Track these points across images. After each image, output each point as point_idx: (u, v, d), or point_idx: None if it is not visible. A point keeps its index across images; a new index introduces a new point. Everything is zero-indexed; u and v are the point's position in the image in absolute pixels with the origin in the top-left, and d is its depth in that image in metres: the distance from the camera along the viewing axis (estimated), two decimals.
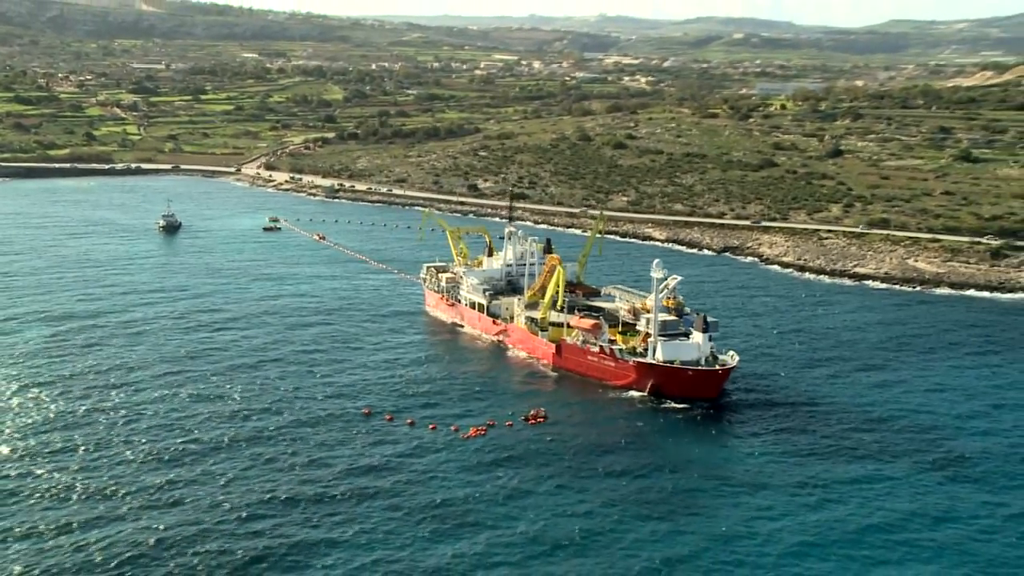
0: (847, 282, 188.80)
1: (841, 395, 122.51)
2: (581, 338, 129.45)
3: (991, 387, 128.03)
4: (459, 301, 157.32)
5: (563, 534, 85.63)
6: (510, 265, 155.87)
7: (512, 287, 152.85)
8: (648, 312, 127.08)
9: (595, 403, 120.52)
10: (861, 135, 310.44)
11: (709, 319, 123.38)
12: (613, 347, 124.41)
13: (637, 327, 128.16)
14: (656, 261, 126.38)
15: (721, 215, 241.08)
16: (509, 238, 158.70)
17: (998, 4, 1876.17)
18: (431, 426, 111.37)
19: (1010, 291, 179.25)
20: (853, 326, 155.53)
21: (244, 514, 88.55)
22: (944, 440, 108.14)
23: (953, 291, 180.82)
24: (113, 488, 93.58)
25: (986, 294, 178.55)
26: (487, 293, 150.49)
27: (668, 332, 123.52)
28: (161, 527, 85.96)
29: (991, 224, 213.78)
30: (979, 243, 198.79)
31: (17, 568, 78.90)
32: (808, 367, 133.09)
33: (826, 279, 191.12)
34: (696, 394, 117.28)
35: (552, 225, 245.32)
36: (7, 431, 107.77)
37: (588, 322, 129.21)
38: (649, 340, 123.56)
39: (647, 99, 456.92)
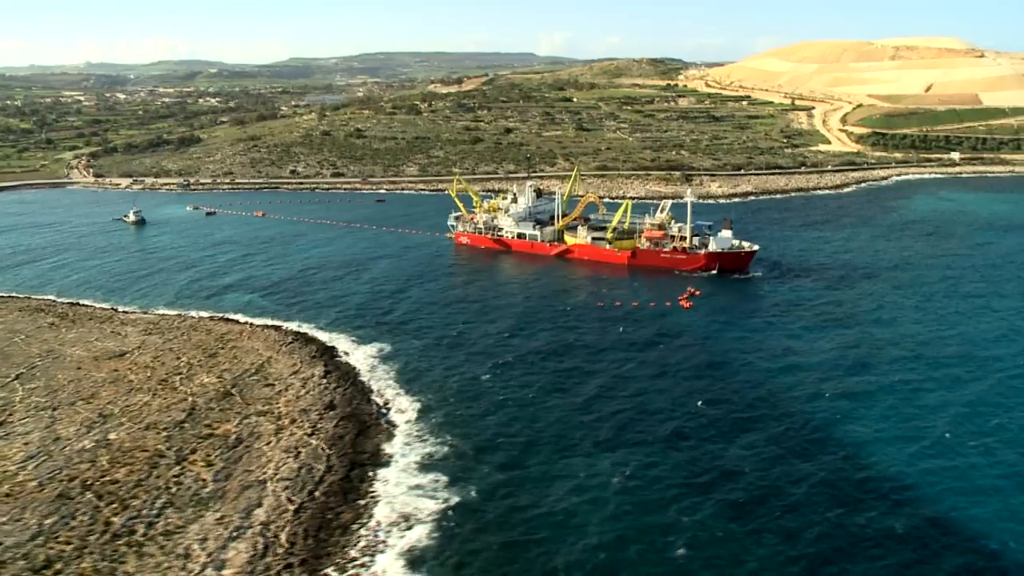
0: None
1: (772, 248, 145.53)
2: (648, 244, 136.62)
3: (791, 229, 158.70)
4: (503, 235, 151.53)
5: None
6: (530, 207, 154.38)
7: (538, 221, 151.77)
8: (672, 224, 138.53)
9: (695, 280, 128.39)
10: (506, 119, 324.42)
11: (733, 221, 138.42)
12: (684, 245, 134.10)
13: (670, 234, 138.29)
14: (689, 190, 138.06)
15: (495, 172, 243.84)
16: (523, 191, 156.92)
17: (354, 45, 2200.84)
18: (651, 303, 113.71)
19: (713, 198, 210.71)
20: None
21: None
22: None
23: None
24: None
25: (703, 200, 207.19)
26: (535, 226, 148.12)
27: (695, 234, 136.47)
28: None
29: (654, 163, 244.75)
30: (673, 174, 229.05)
31: None
32: None
33: (618, 201, 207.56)
34: (740, 267, 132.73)
35: (387, 189, 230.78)
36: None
37: (658, 233, 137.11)
38: (684, 241, 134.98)
39: (227, 115, 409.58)
